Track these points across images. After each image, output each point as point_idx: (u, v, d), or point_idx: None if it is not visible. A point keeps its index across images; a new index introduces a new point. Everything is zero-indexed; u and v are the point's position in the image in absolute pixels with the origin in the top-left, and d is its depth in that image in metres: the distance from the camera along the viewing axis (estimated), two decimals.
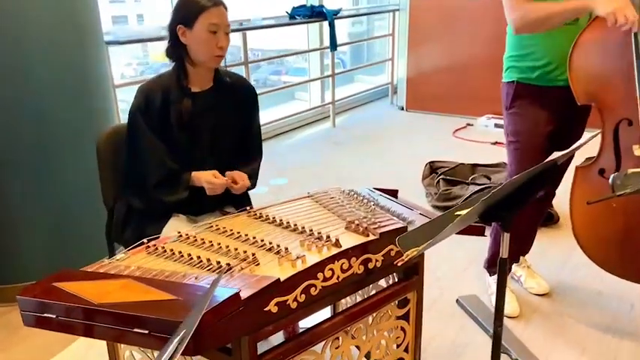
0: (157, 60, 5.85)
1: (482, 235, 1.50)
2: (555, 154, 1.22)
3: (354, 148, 4.57)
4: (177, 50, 1.71)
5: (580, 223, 2.00)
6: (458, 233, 1.31)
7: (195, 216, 1.85)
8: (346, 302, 1.66)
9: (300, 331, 1.30)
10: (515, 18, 1.83)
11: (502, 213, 1.18)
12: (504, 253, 1.24)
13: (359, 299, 1.64)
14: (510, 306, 2.15)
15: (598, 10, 1.69)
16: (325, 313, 1.40)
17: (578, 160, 2.01)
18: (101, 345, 1.95)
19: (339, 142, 4.74)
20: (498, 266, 1.26)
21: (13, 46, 2.14)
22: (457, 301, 2.30)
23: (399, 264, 1.12)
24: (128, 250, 1.38)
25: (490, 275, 2.31)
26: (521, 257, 2.37)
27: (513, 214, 1.18)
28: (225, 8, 1.70)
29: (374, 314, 1.42)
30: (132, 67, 6.14)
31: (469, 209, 1.20)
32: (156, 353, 1.32)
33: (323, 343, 1.32)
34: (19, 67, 2.17)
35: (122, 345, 1.42)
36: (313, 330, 1.29)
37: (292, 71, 7.05)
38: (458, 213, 1.26)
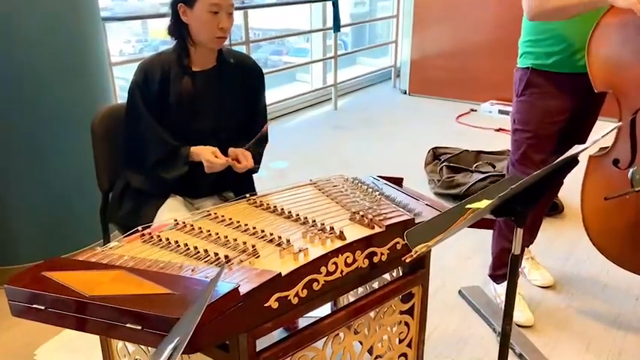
0: (156, 37, 5.75)
1: (492, 228, 1.44)
2: (576, 148, 1.15)
3: (355, 131, 4.49)
4: (178, 29, 1.65)
5: (591, 214, 1.94)
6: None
7: (192, 199, 1.80)
8: (347, 296, 1.61)
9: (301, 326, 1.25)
10: (531, 5, 1.76)
11: (517, 208, 1.12)
12: (517, 249, 1.18)
13: (360, 291, 1.59)
14: (524, 315, 2.03)
15: (618, 2, 1.62)
16: (325, 307, 1.35)
17: (591, 148, 1.94)
18: None
19: (340, 125, 4.66)
20: (510, 263, 1.21)
21: (4, 21, 2.05)
22: (459, 292, 2.26)
23: (407, 260, 1.06)
24: (123, 237, 1.32)
25: (497, 283, 2.19)
26: (525, 248, 2.32)
27: (528, 210, 1.12)
28: None
29: (377, 309, 1.37)
30: (131, 44, 6.03)
31: (484, 204, 1.14)
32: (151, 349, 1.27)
33: (324, 338, 1.27)
34: (11, 45, 2.09)
35: None
36: (315, 326, 1.24)
37: (293, 52, 6.93)
38: (469, 206, 1.20)
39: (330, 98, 5.22)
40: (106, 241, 1.79)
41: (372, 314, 1.37)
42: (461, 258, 2.52)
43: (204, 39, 1.63)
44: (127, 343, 1.35)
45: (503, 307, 2.08)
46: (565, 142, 1.98)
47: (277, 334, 1.23)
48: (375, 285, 1.55)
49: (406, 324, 1.47)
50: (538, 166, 1.89)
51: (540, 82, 1.89)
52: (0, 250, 2.31)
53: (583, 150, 1.14)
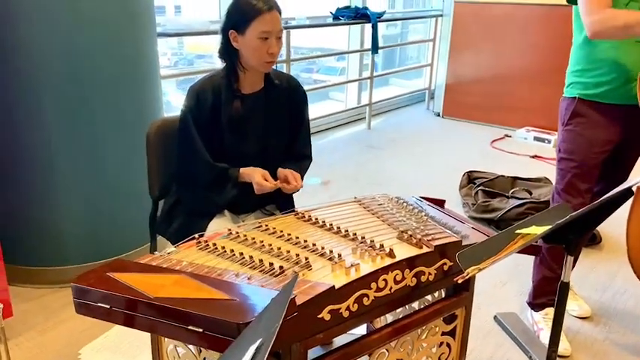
0: (191, 51, 5.93)
1: (537, 254, 1.45)
2: (632, 180, 1.17)
3: (388, 151, 4.53)
4: (228, 53, 1.70)
5: (637, 246, 1.91)
6: None
7: (237, 214, 1.85)
8: (385, 316, 1.63)
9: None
10: (594, 21, 1.72)
11: (569, 236, 1.14)
12: (567, 276, 1.19)
13: (399, 311, 1.61)
14: (562, 344, 1.96)
15: None
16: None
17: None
18: (138, 332, 1.97)
19: (373, 145, 4.71)
20: (558, 290, 1.22)
21: (73, 34, 2.17)
22: (495, 317, 2.25)
23: (459, 281, 1.09)
24: (179, 244, 1.38)
25: (536, 311, 2.18)
26: None
27: (580, 239, 1.14)
28: (279, 12, 1.67)
29: (422, 328, 1.39)
30: (166, 57, 6.21)
31: (534, 230, 1.16)
32: (197, 350, 1.31)
33: (368, 355, 1.30)
34: (77, 57, 2.20)
35: (166, 338, 1.42)
36: (361, 341, 1.27)
37: (324, 70, 7.04)
38: (518, 232, 1.22)
39: (364, 117, 5.28)
40: (153, 247, 1.86)
41: (416, 333, 1.39)
42: (496, 283, 2.52)
43: (254, 64, 1.68)
44: (177, 346, 1.40)
45: (540, 335, 2.10)
46: (609, 170, 1.98)
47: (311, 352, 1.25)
48: (415, 306, 1.58)
49: (448, 345, 1.48)
50: (583, 196, 1.89)
51: (588, 112, 1.90)
52: (47, 250, 2.40)
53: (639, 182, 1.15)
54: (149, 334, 1.46)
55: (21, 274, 2.37)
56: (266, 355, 0.62)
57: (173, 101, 4.43)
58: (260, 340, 0.68)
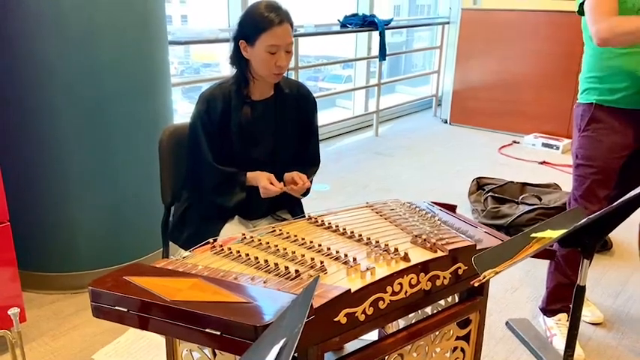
0: (197, 60, 5.98)
1: (552, 259, 1.45)
2: None
3: (397, 158, 4.54)
4: (238, 61, 1.72)
5: None
6: None
7: (248, 220, 1.86)
8: (397, 321, 1.62)
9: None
10: (600, 29, 1.71)
11: (585, 240, 1.14)
12: (583, 280, 1.19)
13: (411, 316, 1.61)
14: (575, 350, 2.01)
15: None
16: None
17: None
18: (151, 337, 1.98)
19: (381, 152, 4.72)
20: (575, 294, 1.21)
21: (91, 46, 2.20)
22: (507, 323, 2.24)
23: (475, 284, 1.09)
24: (193, 249, 1.39)
25: (549, 316, 2.17)
26: None
27: (597, 242, 1.14)
28: (291, 24, 1.68)
29: (437, 332, 1.39)
30: (173, 65, 6.26)
31: (549, 234, 1.16)
32: (212, 354, 1.31)
33: (387, 357, 1.30)
34: (95, 66, 2.22)
35: (181, 343, 1.42)
36: (375, 345, 1.27)
37: (329, 78, 7.08)
38: (533, 235, 1.22)
39: (372, 125, 5.29)
40: (166, 253, 1.87)
41: (431, 337, 1.39)
42: (507, 289, 2.51)
43: (263, 74, 1.70)
44: (192, 350, 1.40)
45: (553, 341, 2.08)
46: (625, 176, 1.97)
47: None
48: (428, 310, 1.57)
49: (462, 350, 1.48)
50: (602, 202, 1.88)
51: (604, 118, 1.90)
52: (60, 256, 2.42)
53: None
54: (161, 338, 1.47)
55: (34, 279, 2.38)
56: (291, 354, 0.63)
57: (179, 109, 4.48)
58: (284, 339, 0.68)
